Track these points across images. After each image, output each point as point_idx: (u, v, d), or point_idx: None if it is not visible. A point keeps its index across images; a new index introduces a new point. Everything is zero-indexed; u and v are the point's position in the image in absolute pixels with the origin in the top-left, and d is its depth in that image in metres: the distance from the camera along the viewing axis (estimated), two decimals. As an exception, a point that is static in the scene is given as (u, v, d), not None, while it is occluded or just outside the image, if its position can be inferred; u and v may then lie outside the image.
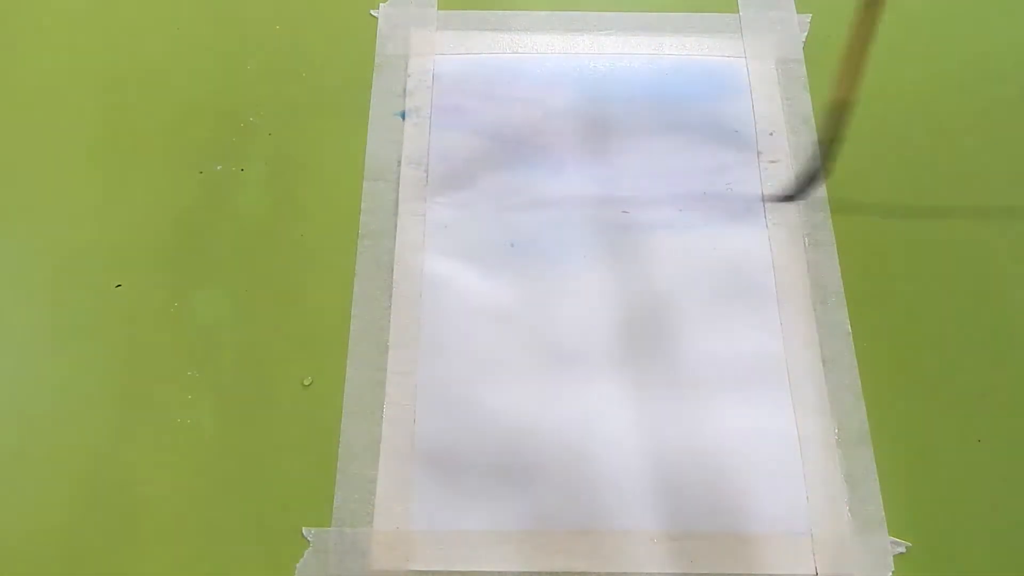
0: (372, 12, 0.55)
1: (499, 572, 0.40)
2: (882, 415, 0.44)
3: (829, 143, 0.42)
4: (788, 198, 0.45)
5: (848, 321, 0.46)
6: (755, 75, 0.53)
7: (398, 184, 0.50)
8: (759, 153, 0.51)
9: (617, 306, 0.46)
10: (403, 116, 0.52)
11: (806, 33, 0.55)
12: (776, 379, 0.45)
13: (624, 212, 0.49)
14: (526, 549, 0.41)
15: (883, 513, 0.42)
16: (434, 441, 0.43)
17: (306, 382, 0.45)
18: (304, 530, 0.41)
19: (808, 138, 0.51)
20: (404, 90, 0.52)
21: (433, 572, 0.40)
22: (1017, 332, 0.46)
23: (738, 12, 0.55)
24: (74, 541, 0.41)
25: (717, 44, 0.54)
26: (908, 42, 0.55)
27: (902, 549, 0.41)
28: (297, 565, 0.40)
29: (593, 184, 0.50)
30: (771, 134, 0.51)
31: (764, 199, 0.49)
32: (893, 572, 0.41)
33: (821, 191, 0.49)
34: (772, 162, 0.51)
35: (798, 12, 0.55)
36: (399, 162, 0.50)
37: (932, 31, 0.55)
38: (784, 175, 0.50)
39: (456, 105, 0.52)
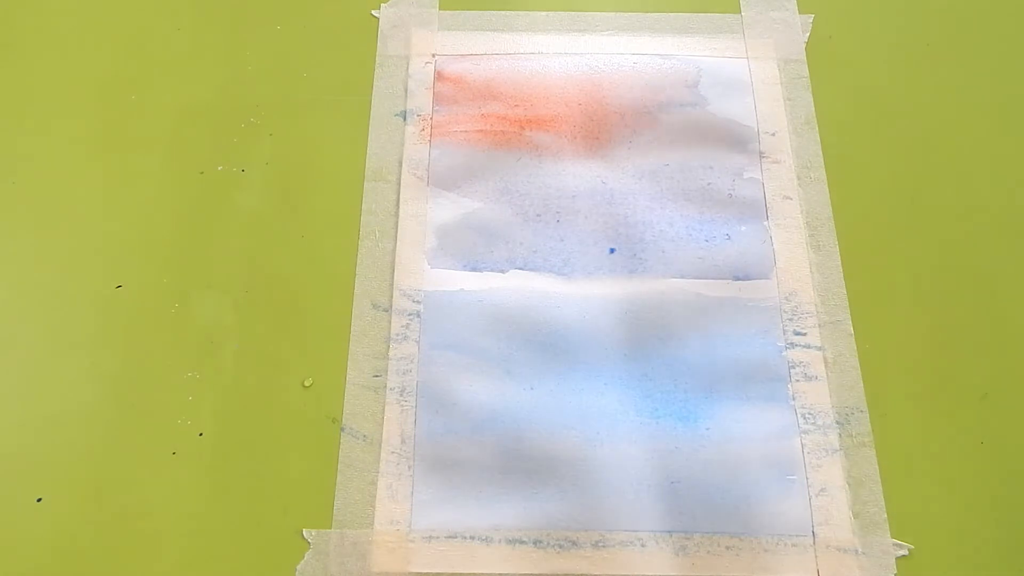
0: (373, 12, 0.55)
1: (500, 574, 0.40)
2: (884, 417, 0.44)
3: None
4: None
5: (850, 322, 0.46)
6: (757, 75, 0.53)
7: (399, 185, 0.50)
8: (761, 154, 0.51)
9: (619, 307, 0.46)
10: (404, 116, 0.52)
11: (808, 33, 0.55)
12: (778, 381, 0.45)
13: (626, 213, 0.49)
14: (527, 551, 0.41)
15: (885, 515, 0.42)
16: (435, 442, 0.43)
17: (306, 383, 0.44)
18: (304, 531, 0.41)
19: (810, 138, 0.51)
20: (405, 90, 0.52)
21: (434, 574, 0.40)
22: (1020, 333, 0.46)
23: (740, 12, 0.55)
24: (73, 542, 0.41)
25: (719, 44, 0.54)
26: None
27: (904, 551, 0.41)
28: (297, 567, 0.40)
29: (595, 184, 0.50)
30: (773, 134, 0.51)
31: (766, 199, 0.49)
32: (895, 574, 0.40)
33: (824, 195, 0.49)
34: (774, 163, 0.50)
35: (800, 12, 0.55)
36: (400, 163, 0.50)
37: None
38: (787, 175, 0.50)
39: (457, 105, 0.52)
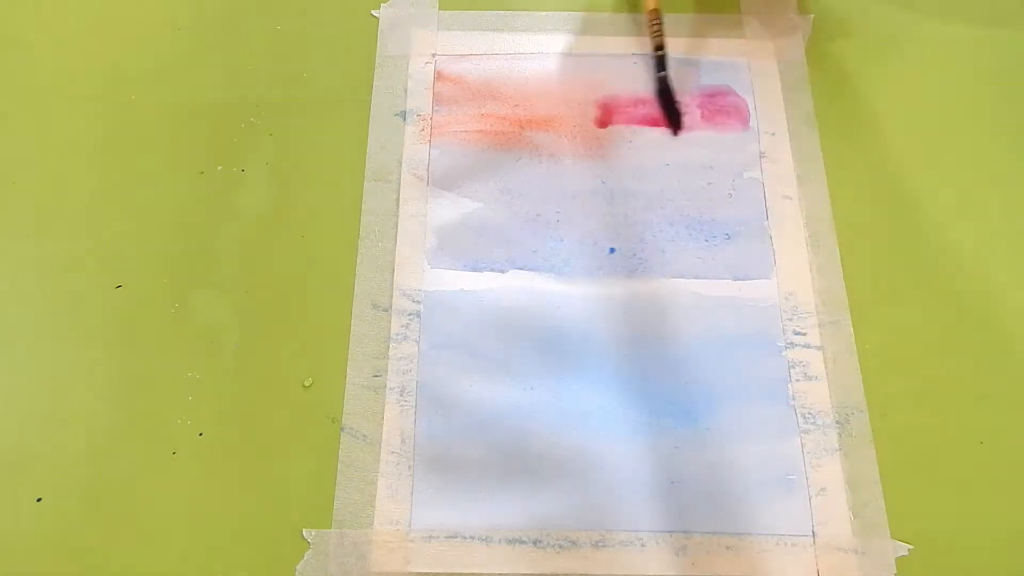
0: (373, 12, 0.55)
1: (500, 574, 0.40)
2: (884, 417, 0.44)
3: (660, 51, 0.50)
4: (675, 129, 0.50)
5: (850, 322, 0.46)
6: (757, 75, 0.53)
7: (399, 185, 0.50)
8: (761, 154, 0.51)
9: (619, 307, 0.46)
10: (404, 116, 0.52)
11: (808, 34, 0.55)
12: (778, 381, 0.45)
13: (626, 212, 0.49)
14: (527, 551, 0.41)
15: (885, 515, 0.42)
16: (435, 442, 0.43)
17: (306, 383, 0.44)
18: (304, 531, 0.41)
19: (810, 138, 0.51)
20: (405, 90, 0.52)
21: (434, 574, 0.40)
22: (1019, 333, 0.46)
23: (740, 13, 0.55)
24: (73, 541, 0.41)
25: (718, 44, 0.54)
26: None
27: (904, 552, 0.41)
28: (297, 567, 0.40)
29: (595, 184, 0.50)
30: (773, 134, 0.51)
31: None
32: (895, 574, 0.40)
33: (824, 195, 0.49)
34: (774, 163, 0.50)
35: (800, 12, 0.55)
36: (400, 163, 0.50)
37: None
38: (787, 175, 0.50)
39: (457, 105, 0.52)
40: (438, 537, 0.41)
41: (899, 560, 0.41)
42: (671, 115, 0.50)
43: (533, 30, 0.54)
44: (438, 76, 0.53)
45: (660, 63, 0.50)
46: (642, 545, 0.41)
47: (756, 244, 0.48)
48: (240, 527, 0.41)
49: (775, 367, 0.45)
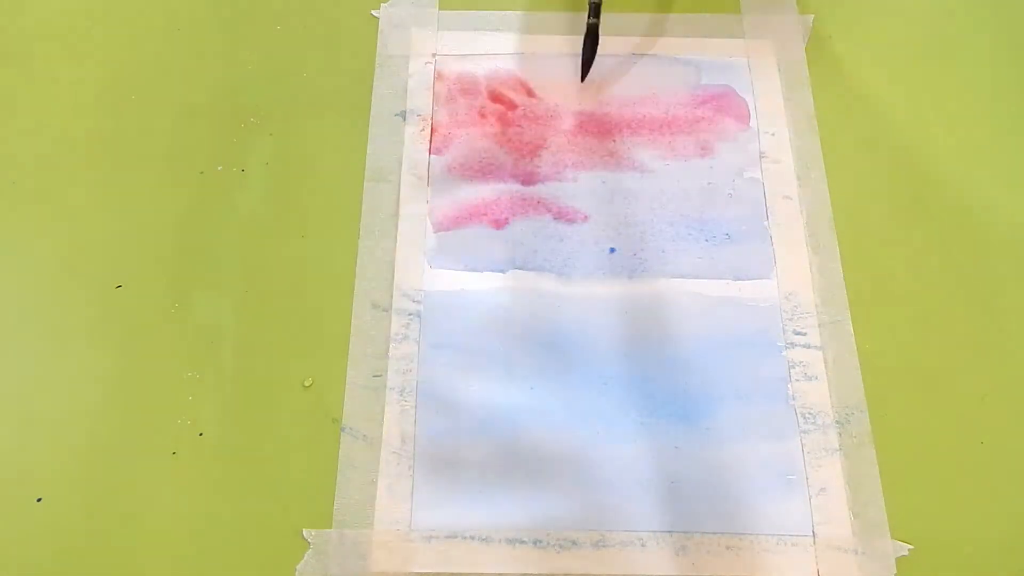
0: (373, 12, 0.55)
1: (500, 574, 0.40)
2: (884, 417, 0.44)
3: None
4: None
5: (850, 322, 0.46)
6: (757, 76, 0.53)
7: (399, 185, 0.50)
8: (761, 154, 0.51)
9: (619, 307, 0.46)
10: (404, 116, 0.52)
11: (808, 33, 0.55)
12: (778, 381, 0.45)
13: (626, 212, 0.49)
14: (527, 551, 0.41)
15: (885, 515, 0.42)
16: (435, 442, 0.43)
17: (306, 383, 0.44)
18: (304, 531, 0.41)
19: (810, 138, 0.51)
20: (405, 90, 0.52)
21: (434, 574, 0.40)
22: (1019, 334, 0.46)
23: (740, 13, 0.55)
24: (73, 541, 0.41)
25: (719, 44, 0.54)
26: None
27: (905, 552, 0.41)
28: (297, 567, 0.40)
29: (595, 184, 0.50)
30: (773, 134, 0.51)
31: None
32: (895, 574, 0.40)
33: (824, 195, 0.49)
34: (774, 163, 0.50)
35: (800, 12, 0.55)
36: (400, 163, 0.50)
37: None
38: (787, 175, 0.50)
39: (457, 105, 0.52)
40: (438, 537, 0.41)
41: (899, 560, 0.41)
42: (587, 61, 0.52)
43: (533, 30, 0.54)
44: (438, 76, 0.53)
45: (594, 10, 0.51)
46: (642, 545, 0.41)
47: (756, 244, 0.48)
48: (240, 527, 0.41)
49: (775, 367, 0.45)
